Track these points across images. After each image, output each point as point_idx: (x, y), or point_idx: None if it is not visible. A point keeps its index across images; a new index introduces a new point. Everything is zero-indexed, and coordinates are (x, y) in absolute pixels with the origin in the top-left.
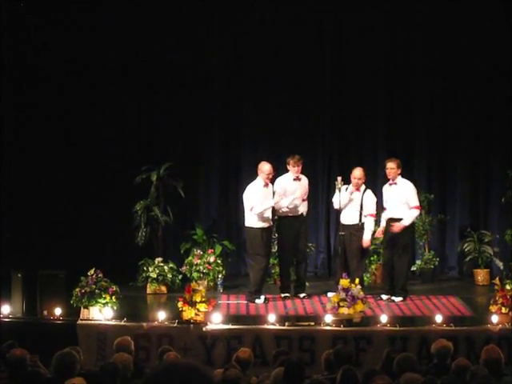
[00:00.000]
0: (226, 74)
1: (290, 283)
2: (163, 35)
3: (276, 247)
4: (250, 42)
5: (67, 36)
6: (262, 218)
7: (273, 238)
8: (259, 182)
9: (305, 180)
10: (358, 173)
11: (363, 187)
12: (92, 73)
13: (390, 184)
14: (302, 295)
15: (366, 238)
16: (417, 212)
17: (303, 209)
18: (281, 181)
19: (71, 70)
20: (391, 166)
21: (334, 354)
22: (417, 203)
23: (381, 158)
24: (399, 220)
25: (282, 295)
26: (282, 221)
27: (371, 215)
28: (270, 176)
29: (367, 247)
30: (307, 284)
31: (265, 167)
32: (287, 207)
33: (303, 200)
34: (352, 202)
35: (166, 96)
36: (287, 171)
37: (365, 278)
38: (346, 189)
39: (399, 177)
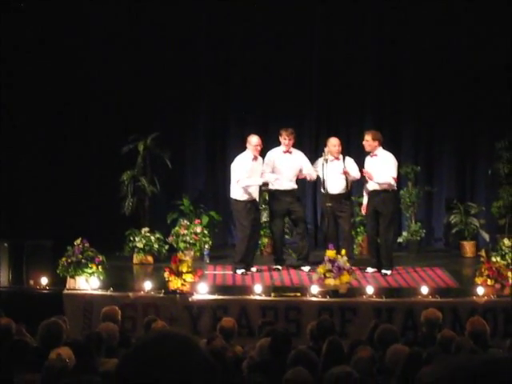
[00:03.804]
0: (215, 48)
1: (283, 256)
2: (152, 10)
3: (266, 218)
4: (238, 16)
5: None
6: (247, 191)
7: (260, 209)
8: (248, 154)
9: (298, 154)
10: (335, 141)
11: (341, 156)
12: (78, 44)
13: (371, 156)
14: (304, 268)
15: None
16: (393, 181)
17: (295, 184)
18: (271, 154)
19: (57, 41)
20: (366, 138)
21: (317, 325)
22: (395, 175)
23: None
24: (383, 192)
25: (274, 267)
26: (272, 195)
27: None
28: (259, 148)
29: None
30: (293, 255)
31: (253, 139)
32: (272, 182)
33: (314, 175)
34: (335, 171)
35: (153, 67)
36: (276, 144)
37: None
38: (326, 160)
39: (380, 148)
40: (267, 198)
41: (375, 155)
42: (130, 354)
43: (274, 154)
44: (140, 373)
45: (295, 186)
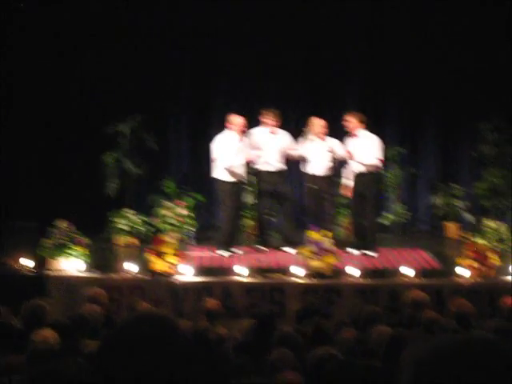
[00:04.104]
0: (199, 28)
1: (268, 237)
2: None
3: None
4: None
5: None
6: (234, 172)
7: (245, 190)
8: (231, 134)
9: (282, 134)
10: (321, 121)
11: (325, 137)
12: (66, 26)
13: (353, 136)
14: (289, 250)
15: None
16: (379, 163)
17: (282, 165)
18: (255, 133)
19: (45, 24)
20: (348, 119)
21: (303, 307)
22: (380, 156)
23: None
24: (368, 174)
25: (258, 248)
26: (260, 175)
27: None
28: (243, 129)
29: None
30: (278, 237)
31: (237, 120)
32: (256, 159)
33: (300, 155)
34: (320, 152)
35: (136, 48)
36: (258, 125)
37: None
38: (308, 138)
39: (362, 130)
40: (252, 179)
41: (356, 136)
42: (110, 335)
43: (259, 134)
44: (120, 354)
45: (283, 167)
